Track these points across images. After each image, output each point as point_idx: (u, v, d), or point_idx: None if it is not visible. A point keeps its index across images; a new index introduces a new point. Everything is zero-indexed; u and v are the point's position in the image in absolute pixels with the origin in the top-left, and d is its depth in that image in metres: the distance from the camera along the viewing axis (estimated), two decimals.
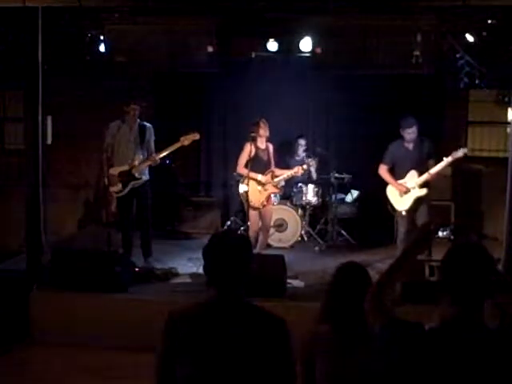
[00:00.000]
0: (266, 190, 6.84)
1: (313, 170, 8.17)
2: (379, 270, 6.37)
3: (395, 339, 2.05)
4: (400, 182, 6.47)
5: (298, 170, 7.06)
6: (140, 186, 6.64)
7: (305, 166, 7.15)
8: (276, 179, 6.97)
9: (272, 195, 7.16)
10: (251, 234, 6.72)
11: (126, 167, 6.56)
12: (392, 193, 6.56)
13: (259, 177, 6.75)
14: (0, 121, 8.87)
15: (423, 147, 6.43)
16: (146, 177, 6.68)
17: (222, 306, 2.21)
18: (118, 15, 6.72)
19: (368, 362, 2.43)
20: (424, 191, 6.37)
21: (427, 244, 2.37)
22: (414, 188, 6.40)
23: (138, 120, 6.69)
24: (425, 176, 6.33)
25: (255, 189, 6.75)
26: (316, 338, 2.60)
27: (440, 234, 7.68)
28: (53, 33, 6.27)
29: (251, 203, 6.70)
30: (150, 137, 6.73)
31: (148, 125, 6.75)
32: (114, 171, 6.57)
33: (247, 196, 6.62)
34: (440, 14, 6.77)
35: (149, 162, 6.63)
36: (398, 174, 6.52)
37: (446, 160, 6.24)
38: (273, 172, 6.95)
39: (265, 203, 6.84)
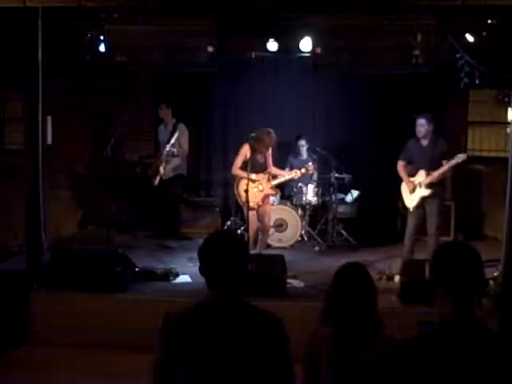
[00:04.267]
0: (261, 190, 6.82)
1: (315, 174, 8.14)
2: (379, 270, 6.38)
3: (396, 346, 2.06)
4: (411, 179, 6.53)
5: (295, 174, 7.04)
6: (169, 179, 7.88)
7: (303, 170, 7.11)
8: (273, 182, 6.95)
9: (271, 196, 7.15)
10: (251, 234, 6.71)
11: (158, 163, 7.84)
12: (404, 189, 6.65)
13: (253, 176, 6.71)
14: (0, 121, 8.86)
15: (437, 146, 6.46)
16: (173, 172, 7.91)
17: (218, 306, 2.20)
18: (118, 15, 6.71)
19: (370, 363, 2.42)
20: (428, 192, 6.39)
21: None
22: (420, 187, 6.43)
23: (174, 120, 7.86)
24: (429, 177, 6.35)
25: (251, 190, 6.70)
26: (318, 339, 2.59)
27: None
28: (53, 33, 6.26)
29: (247, 204, 6.68)
30: (179, 136, 7.66)
31: (180, 125, 7.76)
32: (155, 166, 7.89)
33: (245, 196, 6.59)
34: (440, 14, 6.77)
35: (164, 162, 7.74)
36: (412, 170, 6.58)
37: (448, 165, 6.29)
38: (269, 173, 6.93)
39: (260, 203, 6.81)
